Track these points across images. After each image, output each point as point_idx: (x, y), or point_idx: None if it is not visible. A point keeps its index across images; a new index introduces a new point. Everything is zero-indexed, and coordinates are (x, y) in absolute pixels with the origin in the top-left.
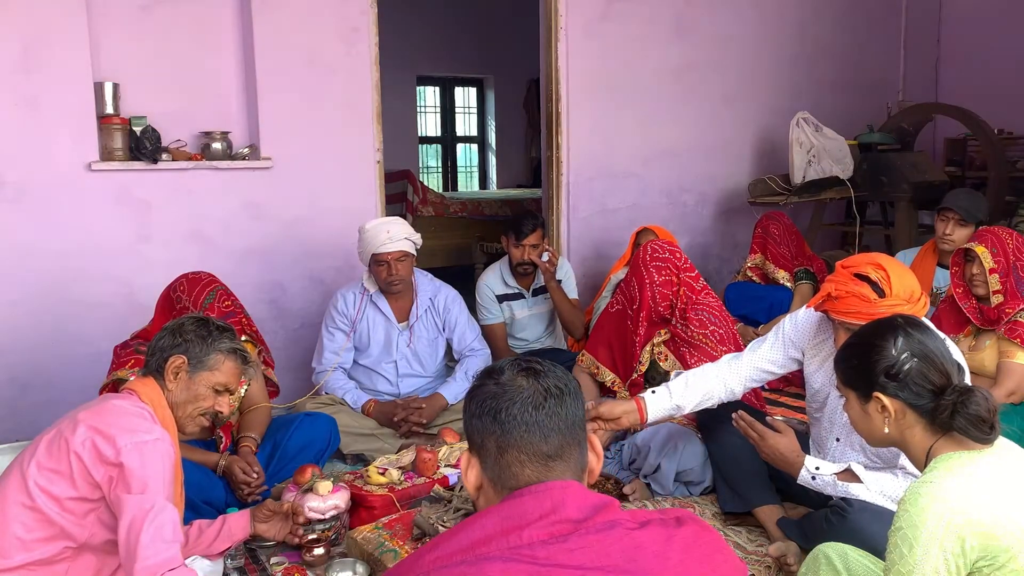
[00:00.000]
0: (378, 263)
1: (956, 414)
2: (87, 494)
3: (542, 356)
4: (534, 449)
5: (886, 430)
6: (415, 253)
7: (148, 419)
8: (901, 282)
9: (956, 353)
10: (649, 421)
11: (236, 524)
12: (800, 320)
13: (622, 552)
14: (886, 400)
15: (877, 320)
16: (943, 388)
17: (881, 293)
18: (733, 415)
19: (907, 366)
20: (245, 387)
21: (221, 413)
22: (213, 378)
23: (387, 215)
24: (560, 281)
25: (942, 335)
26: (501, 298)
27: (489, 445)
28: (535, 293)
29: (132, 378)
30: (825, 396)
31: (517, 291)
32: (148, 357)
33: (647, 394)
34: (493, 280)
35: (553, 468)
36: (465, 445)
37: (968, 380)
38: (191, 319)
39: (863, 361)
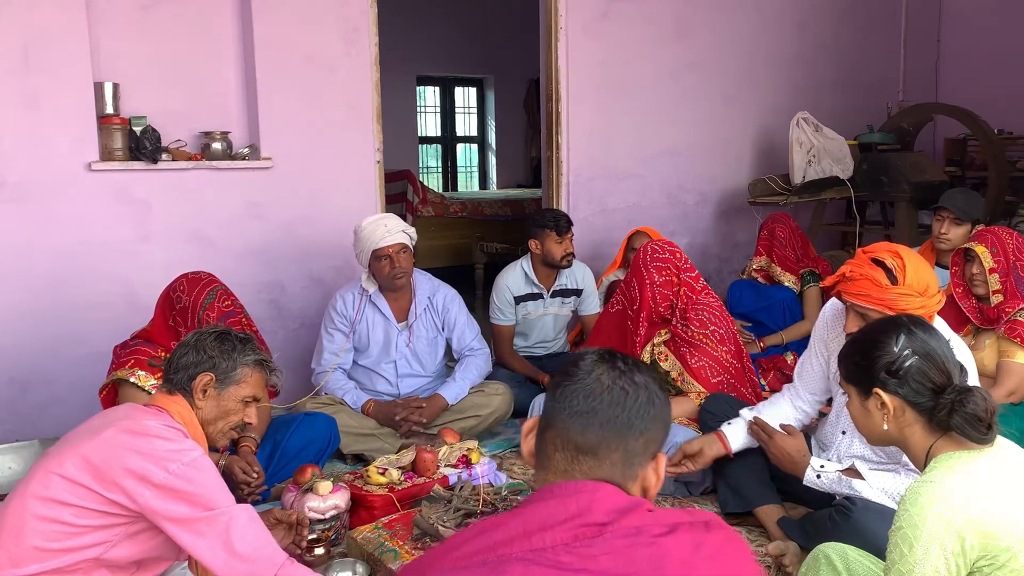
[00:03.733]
0: (379, 258)
1: (953, 413)
2: (113, 511)
3: (549, 361)
4: (568, 437)
5: (885, 427)
6: (412, 247)
7: (183, 438)
8: (916, 274)
9: (965, 353)
10: (734, 450)
11: None
12: (823, 314)
13: (647, 559)
14: (885, 397)
15: (882, 319)
16: (943, 387)
17: (894, 280)
18: (748, 422)
19: (908, 363)
20: None
21: (250, 424)
22: (241, 392)
23: None
24: (582, 291)
25: (953, 334)
26: (519, 299)
27: (544, 418)
28: (554, 295)
29: (152, 388)
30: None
31: (539, 291)
32: (171, 373)
33: (724, 426)
34: (515, 280)
35: (581, 463)
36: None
37: (976, 381)
38: (211, 333)
39: (865, 357)
